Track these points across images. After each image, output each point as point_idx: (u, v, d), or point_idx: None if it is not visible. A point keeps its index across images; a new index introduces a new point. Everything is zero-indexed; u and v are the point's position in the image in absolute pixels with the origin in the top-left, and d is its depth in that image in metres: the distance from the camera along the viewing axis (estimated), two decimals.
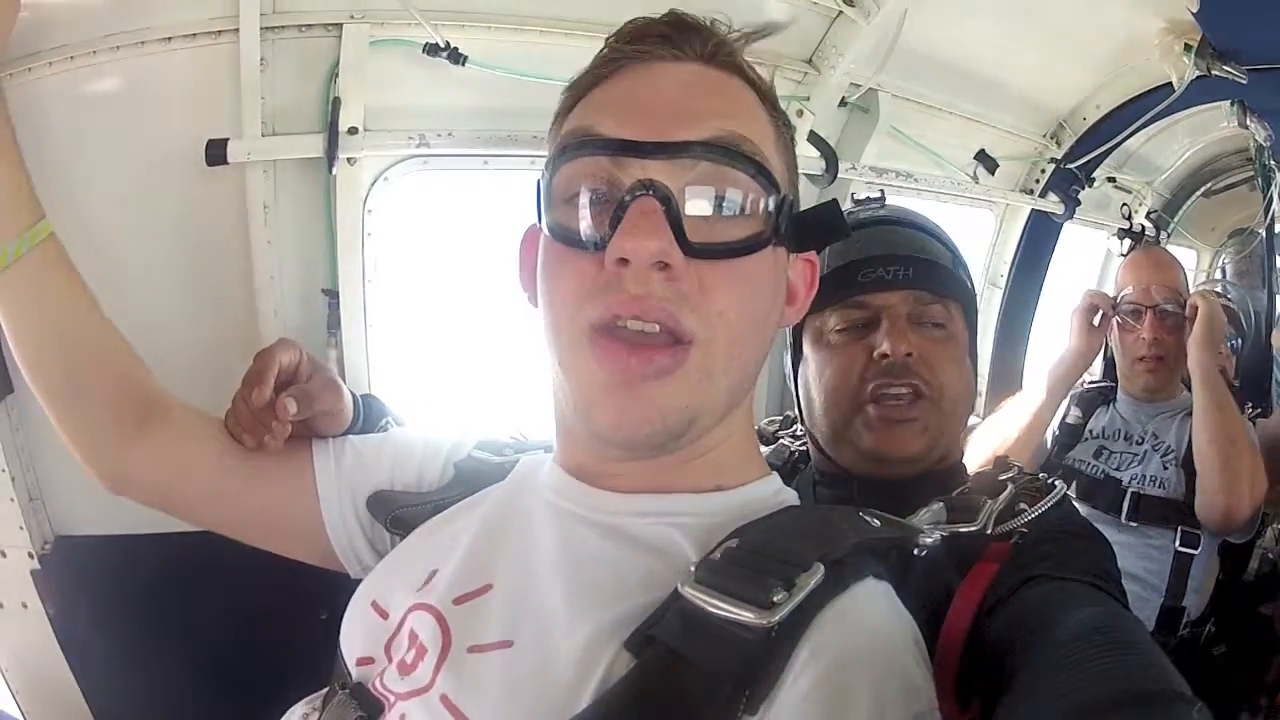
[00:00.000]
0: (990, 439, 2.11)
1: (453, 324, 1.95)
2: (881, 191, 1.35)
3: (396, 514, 0.95)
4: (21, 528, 1.48)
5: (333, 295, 1.65)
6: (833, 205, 1.14)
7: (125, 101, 1.43)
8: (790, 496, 0.85)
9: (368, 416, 1.10)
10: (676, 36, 0.78)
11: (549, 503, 0.82)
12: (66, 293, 1.01)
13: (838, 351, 1.12)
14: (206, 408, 1.07)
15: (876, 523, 0.77)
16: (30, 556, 1.50)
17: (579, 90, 0.81)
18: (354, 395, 1.10)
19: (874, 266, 1.12)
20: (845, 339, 1.12)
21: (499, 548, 0.81)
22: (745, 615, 0.62)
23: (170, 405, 1.04)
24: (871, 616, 0.69)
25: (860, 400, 1.09)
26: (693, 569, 0.68)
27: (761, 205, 0.75)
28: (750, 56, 0.82)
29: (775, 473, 0.87)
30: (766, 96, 0.82)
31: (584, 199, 0.74)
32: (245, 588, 1.44)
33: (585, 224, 0.74)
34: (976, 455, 1.99)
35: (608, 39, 0.82)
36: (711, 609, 0.64)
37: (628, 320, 0.71)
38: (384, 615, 0.81)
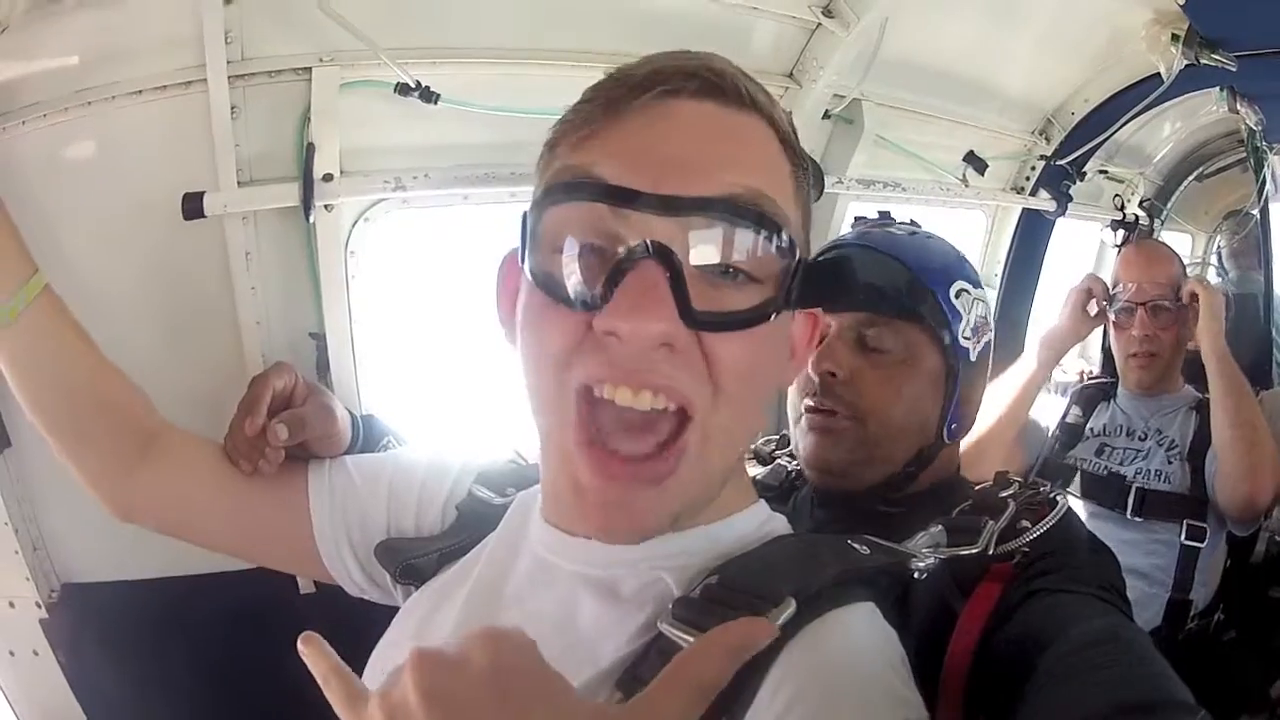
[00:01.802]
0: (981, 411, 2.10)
1: (443, 356, 1.94)
2: (889, 213, 1.32)
3: (407, 565, 0.94)
4: (27, 578, 1.50)
5: (320, 338, 1.64)
6: (842, 264, 1.16)
7: (102, 156, 1.43)
8: (779, 525, 0.83)
9: (368, 437, 1.12)
10: (700, 70, 0.70)
11: (541, 560, 0.81)
12: (66, 339, 1.03)
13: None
14: None
15: (866, 550, 0.77)
16: (38, 606, 1.52)
17: (578, 120, 0.71)
18: (353, 416, 1.11)
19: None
20: None
21: (500, 606, 0.81)
22: None
23: (171, 433, 1.07)
24: (842, 636, 0.68)
25: (799, 413, 1.14)
26: (671, 607, 0.69)
27: (777, 269, 0.68)
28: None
29: (762, 500, 0.84)
30: (789, 142, 0.73)
31: (575, 250, 0.67)
32: (251, 629, 1.44)
33: (575, 280, 0.67)
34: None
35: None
36: (685, 645, 0.65)
37: (618, 389, 0.66)
38: None
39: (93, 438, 1.04)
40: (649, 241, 0.64)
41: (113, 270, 1.47)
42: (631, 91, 0.69)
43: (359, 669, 0.86)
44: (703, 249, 0.66)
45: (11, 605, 1.51)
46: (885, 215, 1.28)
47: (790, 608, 0.65)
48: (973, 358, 1.16)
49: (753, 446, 1.36)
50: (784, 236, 0.67)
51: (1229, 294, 2.85)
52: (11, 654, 1.54)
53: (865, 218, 1.29)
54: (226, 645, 1.57)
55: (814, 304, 0.78)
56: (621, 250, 0.66)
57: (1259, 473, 1.96)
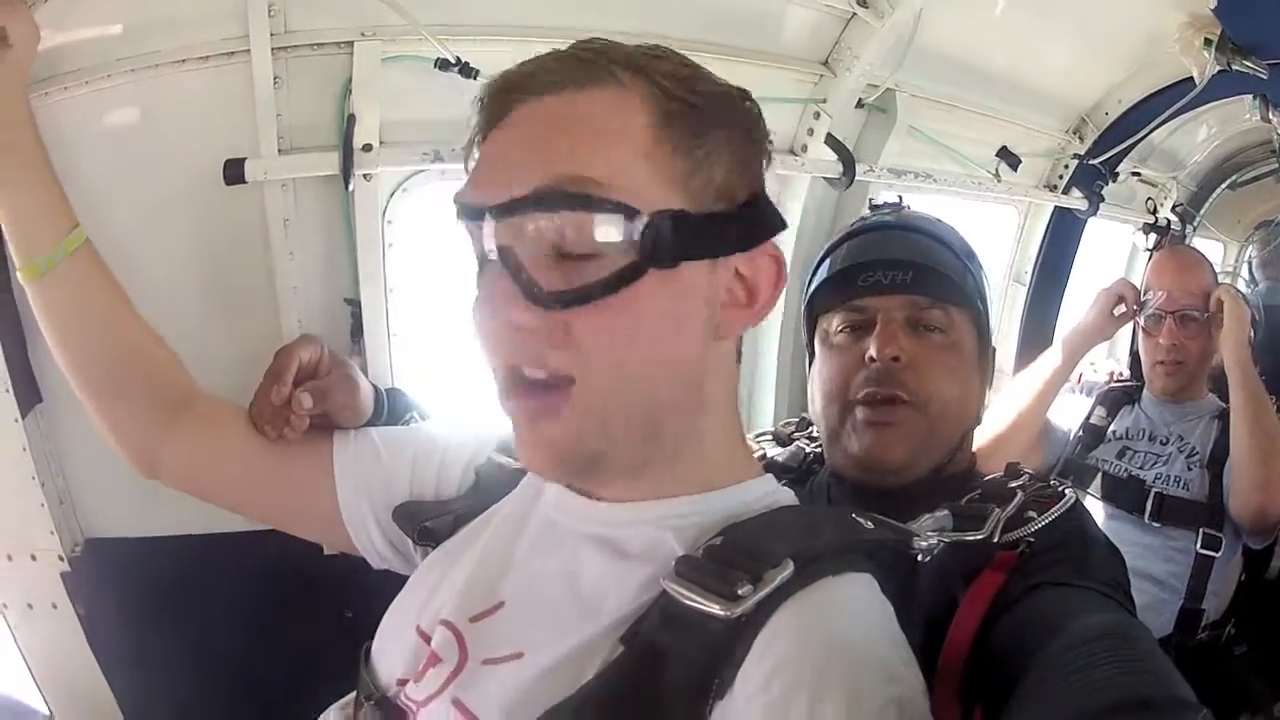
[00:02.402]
0: (1002, 404, 2.11)
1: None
2: (900, 197, 1.31)
3: (423, 527, 0.96)
4: (52, 531, 1.52)
5: (355, 304, 1.68)
6: (888, 243, 1.15)
7: (143, 123, 1.46)
8: (785, 497, 0.84)
9: (392, 410, 1.13)
10: (539, 72, 0.75)
11: (550, 519, 0.83)
12: (103, 295, 1.05)
13: (836, 353, 1.13)
14: None
15: (869, 525, 0.77)
16: (60, 559, 1.53)
17: (469, 146, 0.81)
18: (377, 389, 1.12)
19: (874, 270, 1.12)
20: (845, 340, 1.12)
21: (508, 567, 0.82)
22: (713, 607, 0.64)
23: (200, 395, 1.08)
24: (836, 603, 0.69)
25: (851, 402, 1.09)
26: (673, 564, 0.70)
27: (622, 237, 0.70)
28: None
29: (770, 474, 0.86)
30: (664, 95, 0.74)
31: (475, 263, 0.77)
32: (271, 588, 1.48)
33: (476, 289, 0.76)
34: (985, 422, 2.03)
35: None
36: (685, 601, 0.66)
37: (521, 369, 0.72)
38: (429, 640, 0.82)
39: (126, 393, 1.05)
40: (486, 248, 0.72)
41: (153, 235, 1.49)
42: (489, 110, 0.76)
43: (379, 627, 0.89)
44: (532, 241, 0.70)
45: (33, 558, 1.54)
46: (899, 202, 1.28)
47: (787, 569, 0.66)
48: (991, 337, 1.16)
49: (772, 429, 1.37)
50: (613, 205, 0.70)
51: (1260, 305, 2.82)
52: (30, 606, 1.56)
53: (886, 203, 1.28)
54: (247, 604, 1.59)
55: (756, 244, 0.78)
56: (480, 257, 0.74)
57: (1272, 485, 1.94)
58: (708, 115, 0.76)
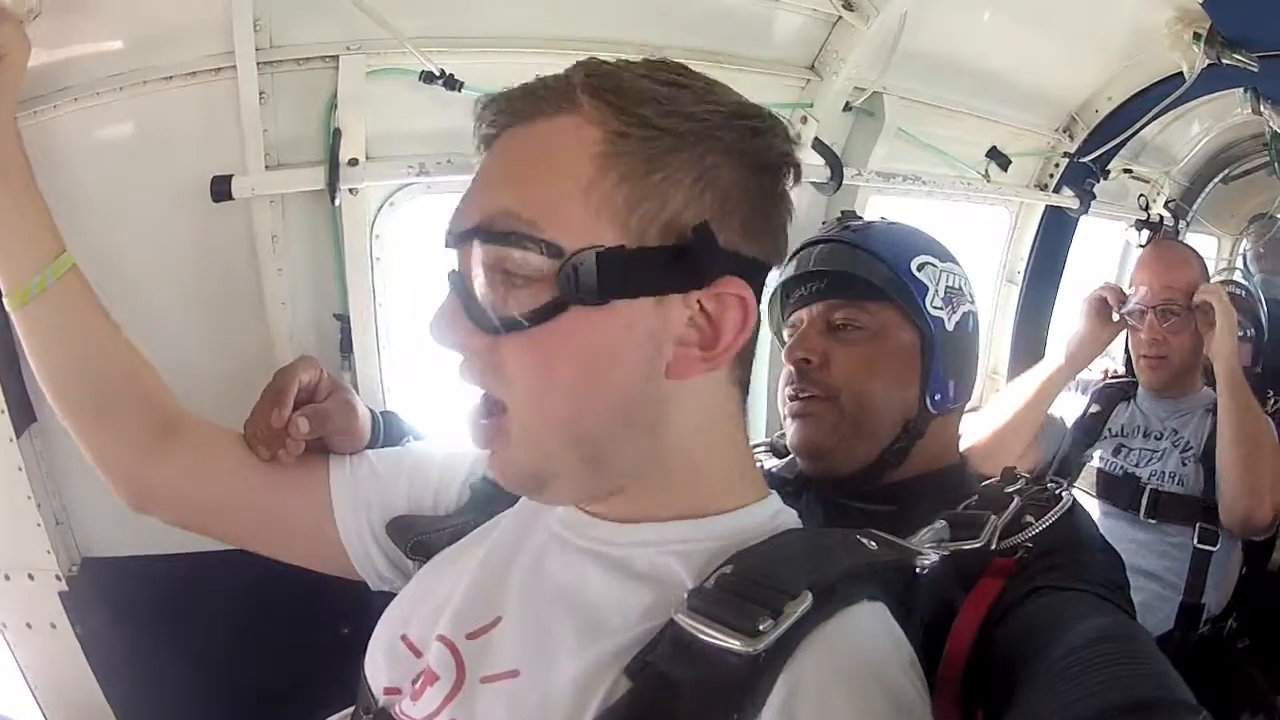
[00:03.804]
0: (998, 406, 2.12)
1: None
2: (852, 211, 1.43)
3: (417, 540, 0.96)
4: (49, 551, 1.52)
5: (344, 319, 1.68)
6: (804, 260, 1.21)
7: (132, 140, 1.47)
8: (789, 518, 0.83)
9: (388, 434, 1.12)
10: (518, 99, 0.75)
11: (556, 534, 0.82)
12: (90, 321, 1.04)
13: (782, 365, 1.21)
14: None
15: (874, 545, 0.77)
16: (58, 578, 1.54)
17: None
18: (373, 413, 1.12)
19: (796, 285, 1.22)
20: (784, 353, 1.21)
21: (508, 580, 0.82)
22: (732, 643, 0.63)
23: (188, 422, 1.06)
24: (858, 638, 0.69)
25: (785, 405, 1.19)
26: (686, 596, 0.69)
27: (545, 273, 0.70)
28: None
29: (774, 493, 0.85)
30: (633, 120, 0.72)
31: None
32: (269, 604, 1.47)
33: None
34: (982, 423, 2.07)
35: None
36: (702, 636, 0.65)
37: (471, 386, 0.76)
38: (417, 653, 0.82)
39: (112, 424, 1.04)
40: (449, 271, 0.75)
41: (143, 251, 1.50)
42: (484, 134, 0.77)
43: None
44: (482, 268, 0.72)
45: (31, 578, 1.54)
46: (850, 215, 1.36)
47: (806, 601, 0.65)
48: (949, 327, 1.17)
49: (769, 440, 1.38)
50: (533, 244, 0.70)
51: (1261, 298, 2.82)
52: (29, 626, 1.56)
53: (850, 213, 1.38)
54: (244, 620, 1.58)
55: (714, 278, 0.73)
56: None
57: (1257, 492, 1.95)
58: (671, 140, 0.72)
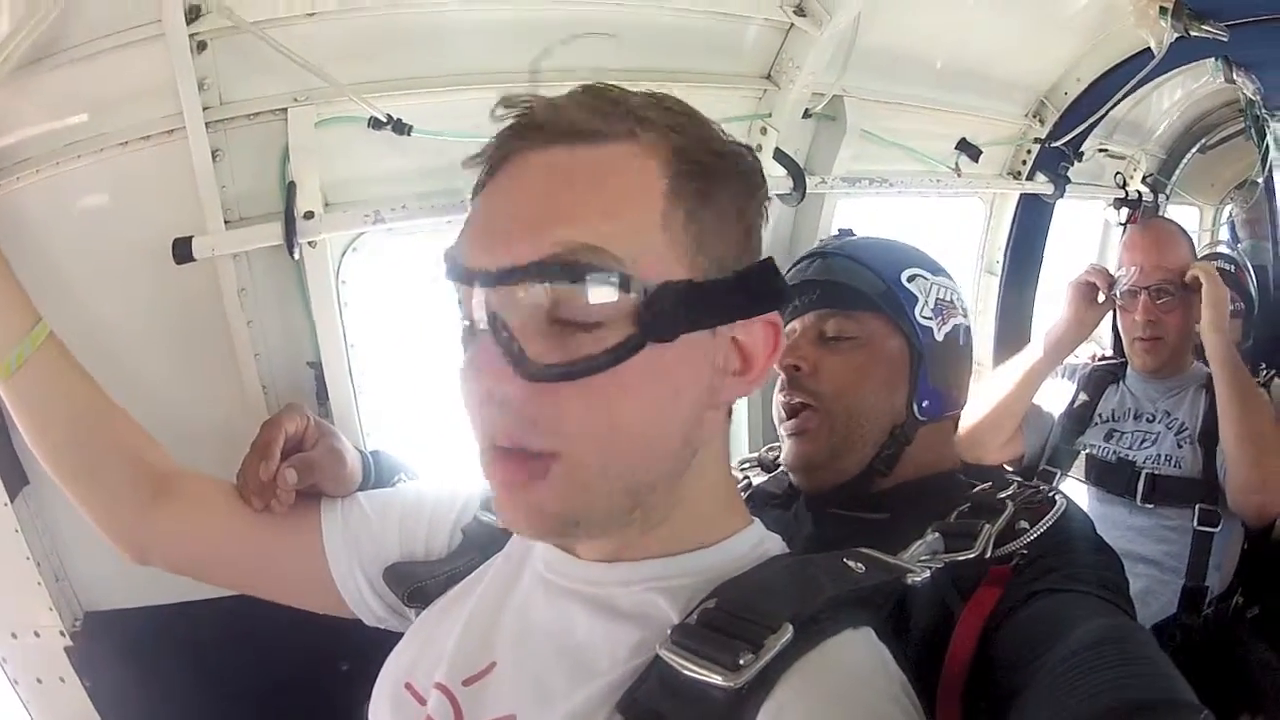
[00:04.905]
0: (979, 396, 2.10)
1: (441, 378, 1.96)
2: (849, 230, 1.43)
3: (415, 588, 0.96)
4: (51, 608, 1.55)
5: (317, 367, 1.68)
6: (800, 273, 1.23)
7: (96, 205, 1.48)
8: (774, 545, 0.83)
9: (379, 472, 1.13)
10: (552, 118, 0.71)
11: (541, 577, 0.83)
12: (73, 386, 1.06)
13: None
14: None
15: (861, 567, 0.77)
16: (62, 634, 1.57)
17: (475, 191, 0.76)
18: (363, 454, 1.13)
19: (792, 299, 1.24)
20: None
21: (499, 625, 0.82)
22: (714, 678, 0.64)
23: (181, 474, 1.08)
24: (840, 667, 0.69)
25: (779, 417, 1.22)
26: (669, 632, 0.70)
27: (624, 311, 0.67)
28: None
29: (757, 521, 0.85)
30: (677, 155, 0.72)
31: (461, 323, 0.74)
32: (269, 647, 1.48)
33: (462, 350, 0.74)
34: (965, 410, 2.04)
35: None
36: (685, 671, 0.66)
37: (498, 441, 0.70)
38: (421, 700, 0.82)
39: (104, 481, 1.06)
40: (475, 315, 0.69)
41: (115, 313, 1.51)
42: (495, 155, 0.73)
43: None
44: (525, 308, 0.68)
45: (36, 635, 1.56)
46: (846, 232, 1.41)
47: (787, 634, 0.66)
48: (939, 337, 1.21)
49: (756, 455, 1.40)
50: (616, 279, 0.67)
51: (1248, 267, 2.80)
52: (39, 681, 1.59)
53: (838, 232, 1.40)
54: (247, 665, 1.61)
55: (758, 313, 0.75)
56: (469, 322, 0.71)
57: (1270, 484, 1.92)
58: (718, 177, 0.73)
